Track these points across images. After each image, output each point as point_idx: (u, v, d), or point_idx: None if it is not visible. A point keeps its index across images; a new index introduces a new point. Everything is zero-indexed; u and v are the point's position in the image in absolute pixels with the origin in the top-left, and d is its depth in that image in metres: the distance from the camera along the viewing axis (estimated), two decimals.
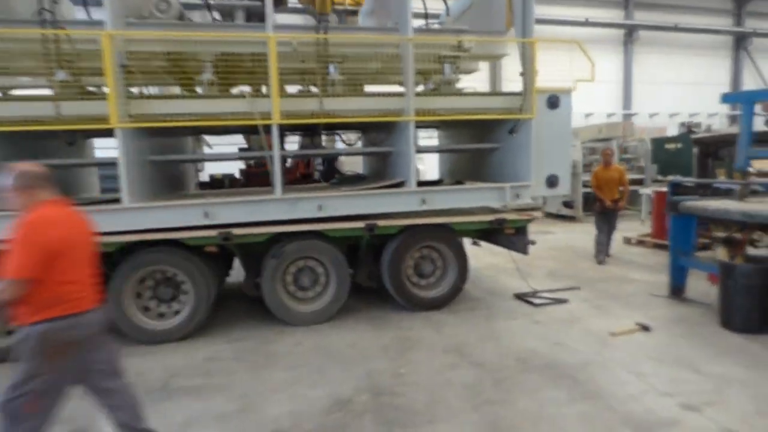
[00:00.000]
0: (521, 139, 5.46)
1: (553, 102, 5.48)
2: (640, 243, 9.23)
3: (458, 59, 5.54)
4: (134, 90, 5.04)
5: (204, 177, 9.10)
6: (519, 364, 4.14)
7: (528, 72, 5.28)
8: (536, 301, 5.87)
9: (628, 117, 17.54)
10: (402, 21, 5.05)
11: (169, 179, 6.28)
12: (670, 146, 11.71)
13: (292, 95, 4.93)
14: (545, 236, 10.58)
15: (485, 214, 5.63)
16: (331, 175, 8.39)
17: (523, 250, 5.89)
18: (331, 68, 5.09)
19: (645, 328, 4.85)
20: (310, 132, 7.72)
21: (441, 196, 5.35)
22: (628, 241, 9.37)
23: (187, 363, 4.44)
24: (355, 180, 7.39)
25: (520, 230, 5.79)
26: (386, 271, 5.51)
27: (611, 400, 3.51)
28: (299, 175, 9.66)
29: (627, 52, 18.40)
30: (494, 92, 5.39)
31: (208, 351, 4.70)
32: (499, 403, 3.52)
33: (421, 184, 5.53)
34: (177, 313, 5.08)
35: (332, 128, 7.21)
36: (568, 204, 12.49)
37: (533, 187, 5.48)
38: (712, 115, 18.63)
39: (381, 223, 5.25)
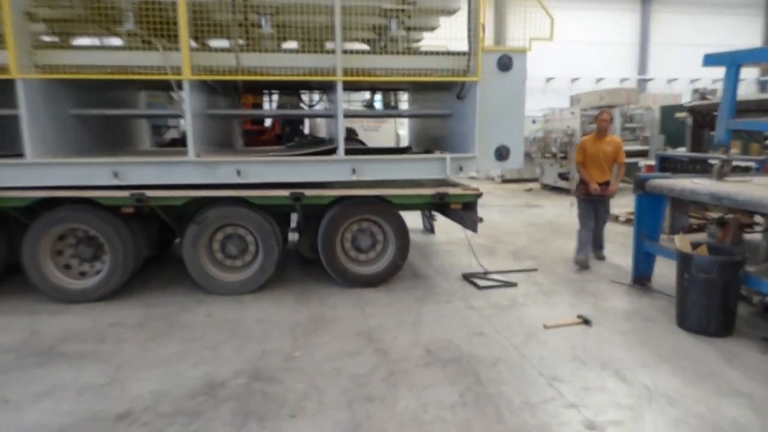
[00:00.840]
0: (468, 105, 4.93)
1: (505, 63, 4.89)
2: (629, 222, 8.62)
3: (403, 13, 4.95)
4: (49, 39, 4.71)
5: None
6: (425, 356, 3.82)
7: (473, 28, 4.69)
8: (482, 283, 5.48)
9: (642, 83, 16.33)
10: None
11: (115, 136, 6.04)
12: (681, 115, 10.74)
13: (206, 49, 4.49)
14: (530, 210, 10.06)
15: (429, 187, 5.19)
16: (291, 138, 8.00)
17: (472, 228, 5.46)
18: (263, 21, 4.64)
19: (585, 322, 4.41)
20: (288, 91, 7.32)
21: (373, 165, 4.91)
22: (615, 218, 8.75)
23: (88, 326, 4.30)
24: (312, 144, 6.99)
25: (469, 206, 5.34)
26: (320, 244, 5.20)
27: (505, 408, 3.13)
28: (274, 136, 9.31)
29: (644, 11, 16.93)
30: (439, 51, 4.79)
31: (117, 315, 4.55)
32: (378, 400, 3.22)
33: (394, 151, 5.11)
34: (98, 273, 4.95)
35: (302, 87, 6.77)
36: (563, 176, 11.80)
37: (479, 159, 4.99)
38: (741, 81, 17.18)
39: (309, 192, 4.91)
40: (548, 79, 17.65)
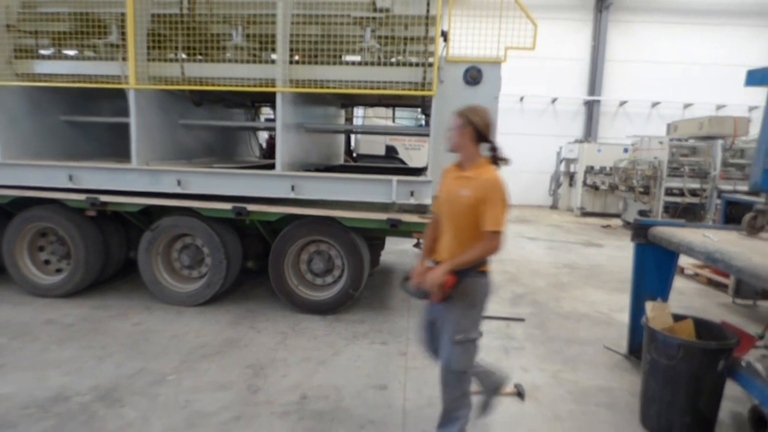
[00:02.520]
0: (431, 122, 4.32)
1: (473, 76, 4.20)
2: (696, 276, 6.96)
3: (374, 22, 4.53)
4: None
5: None
6: (294, 403, 3.28)
7: (431, 35, 4.09)
8: None
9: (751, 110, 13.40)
10: None
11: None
12: None
13: (159, 60, 4.53)
14: (583, 249, 8.71)
15: (384, 212, 4.62)
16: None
17: None
18: (234, 32, 4.58)
19: (518, 394, 3.50)
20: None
21: (313, 184, 4.50)
22: (680, 271, 7.12)
23: (24, 320, 4.50)
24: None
25: None
26: (270, 262, 4.92)
27: None
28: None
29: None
30: (398, 62, 4.25)
31: (60, 313, 4.71)
32: None
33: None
34: (60, 270, 5.23)
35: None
36: (643, 213, 10.07)
37: (436, 183, 4.31)
38: None
39: (252, 207, 4.67)
40: (654, 104, 15.48)
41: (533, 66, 14.58)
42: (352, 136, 10.62)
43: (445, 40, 4.19)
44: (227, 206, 4.67)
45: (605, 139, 15.12)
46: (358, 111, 9.43)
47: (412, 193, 4.34)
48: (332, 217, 4.61)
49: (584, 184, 13.23)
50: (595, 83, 15.29)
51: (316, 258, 5.00)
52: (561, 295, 6.00)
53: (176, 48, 4.46)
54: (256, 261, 5.51)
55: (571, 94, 15.57)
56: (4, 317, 4.57)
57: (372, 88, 4.34)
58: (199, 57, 4.71)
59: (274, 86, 4.28)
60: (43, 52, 4.88)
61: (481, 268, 2.53)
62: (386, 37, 4.65)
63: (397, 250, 7.86)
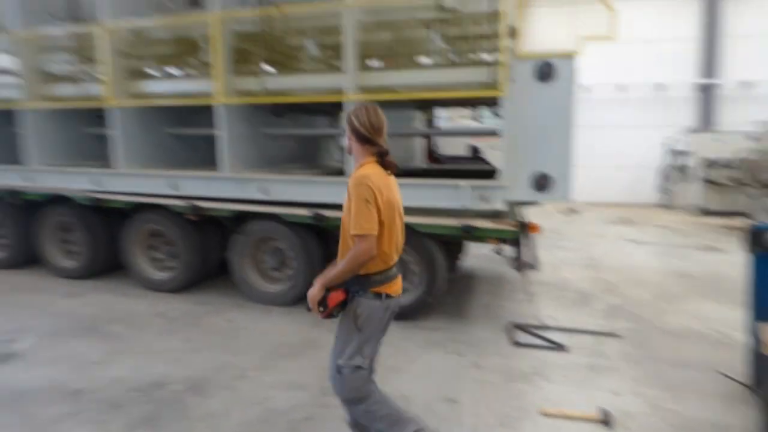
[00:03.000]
0: (501, 123, 4.15)
1: (545, 72, 3.93)
2: None
3: (442, 23, 4.45)
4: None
5: None
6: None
7: (497, 31, 3.90)
8: (522, 338, 4.51)
9: None
10: None
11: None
12: None
13: (242, 75, 4.85)
14: (700, 255, 7.79)
15: (453, 217, 4.52)
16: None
17: (517, 269, 4.58)
18: (307, 44, 4.81)
19: (605, 422, 3.22)
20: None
21: None
22: None
23: (139, 312, 5.12)
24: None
25: (516, 243, 4.50)
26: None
27: None
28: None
29: None
30: (459, 63, 4.12)
31: (168, 307, 5.27)
32: None
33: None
34: (169, 268, 5.85)
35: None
36: None
37: (509, 187, 4.14)
38: None
39: (328, 213, 4.84)
40: None
41: (631, 51, 13.24)
42: (438, 138, 10.56)
43: (514, 36, 3.98)
44: (306, 212, 4.89)
45: (724, 126, 13.31)
46: (440, 111, 9.31)
47: (484, 198, 4.20)
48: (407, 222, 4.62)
49: (704, 179, 11.77)
50: (711, 64, 13.48)
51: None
52: (668, 309, 5.41)
53: (257, 62, 4.74)
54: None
55: (679, 79, 13.89)
56: (124, 309, 5.24)
57: (439, 91, 4.27)
58: (276, 70, 4.97)
59: (343, 95, 4.39)
60: (151, 72, 5.48)
61: (375, 288, 2.30)
62: (453, 38, 4.54)
63: (483, 255, 7.66)
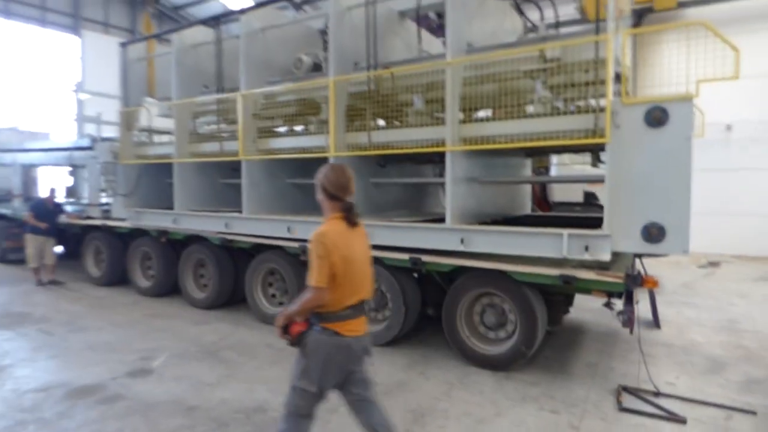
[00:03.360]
0: (605, 170, 4.00)
1: (656, 117, 3.74)
2: None
3: (545, 73, 4.51)
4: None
5: None
6: None
7: (606, 78, 3.82)
8: (630, 403, 4.08)
9: None
10: (453, 42, 4.63)
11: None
12: None
13: (352, 130, 5.34)
14: None
15: (559, 266, 4.35)
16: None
17: (626, 325, 4.24)
18: (415, 99, 5.17)
19: None
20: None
21: (481, 237, 4.54)
22: None
23: (253, 342, 5.60)
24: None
25: (628, 297, 4.21)
26: (443, 312, 5.11)
27: None
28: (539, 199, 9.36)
29: None
30: (561, 111, 4.01)
31: (276, 339, 5.71)
32: None
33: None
34: (281, 304, 6.36)
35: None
36: None
37: (615, 237, 3.91)
38: None
39: (427, 258, 4.97)
40: None
41: (742, 86, 11.57)
42: (550, 184, 10.25)
43: (619, 81, 3.87)
44: (405, 256, 5.08)
45: None
46: (552, 158, 9.08)
47: (587, 248, 4.01)
48: (502, 270, 4.57)
49: None
50: None
51: (488, 311, 4.98)
52: None
53: (367, 118, 5.18)
54: (435, 309, 5.75)
55: None
56: (240, 338, 5.79)
57: (540, 140, 4.26)
58: (384, 124, 5.37)
59: (444, 146, 4.58)
60: (278, 130, 6.24)
61: (325, 324, 2.60)
62: (557, 86, 4.54)
63: (594, 309, 7.11)
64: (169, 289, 7.62)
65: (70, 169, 11.50)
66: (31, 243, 8.49)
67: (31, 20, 18.53)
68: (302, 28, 6.90)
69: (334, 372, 2.68)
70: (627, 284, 4.10)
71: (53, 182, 10.56)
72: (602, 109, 3.88)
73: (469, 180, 4.96)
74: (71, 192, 12.31)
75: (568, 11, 6.08)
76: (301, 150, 5.78)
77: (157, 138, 8.00)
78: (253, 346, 5.51)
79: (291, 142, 5.90)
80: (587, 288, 4.33)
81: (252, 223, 6.18)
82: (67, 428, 3.63)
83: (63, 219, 8.77)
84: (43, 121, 17.49)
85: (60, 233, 9.09)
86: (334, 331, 2.62)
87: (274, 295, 6.52)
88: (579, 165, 9.34)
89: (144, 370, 4.77)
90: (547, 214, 7.57)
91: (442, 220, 4.94)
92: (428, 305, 5.71)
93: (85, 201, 9.53)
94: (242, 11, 6.11)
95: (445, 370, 4.83)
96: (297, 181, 6.64)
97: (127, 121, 7.56)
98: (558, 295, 5.21)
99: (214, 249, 6.84)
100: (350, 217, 2.67)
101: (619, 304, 4.66)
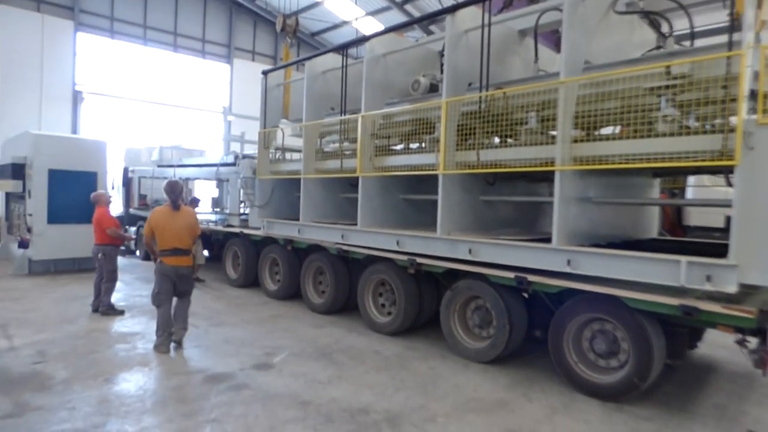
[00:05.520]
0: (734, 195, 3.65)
1: None
2: None
3: (672, 89, 4.26)
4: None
5: None
6: None
7: (738, 96, 3.51)
8: None
9: None
10: (568, 60, 4.58)
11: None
12: None
13: (462, 149, 5.47)
14: None
15: (680, 296, 4.04)
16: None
17: (759, 366, 3.82)
18: (528, 118, 5.21)
19: None
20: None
21: (590, 259, 4.38)
22: None
23: (362, 347, 6.00)
24: None
25: (762, 335, 3.80)
26: (549, 335, 5.01)
27: None
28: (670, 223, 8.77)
29: None
30: (682, 130, 3.62)
31: (384, 346, 6.02)
32: None
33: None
34: (389, 314, 6.68)
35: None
36: None
37: (743, 268, 3.54)
38: None
39: (533, 278, 4.92)
40: None
41: None
42: (685, 208, 9.31)
43: (755, 99, 3.51)
44: (511, 275, 5.08)
45: None
46: (690, 179, 8.28)
47: (708, 278, 3.69)
48: (615, 295, 4.37)
49: None
50: None
51: (599, 337, 4.75)
52: None
53: (478, 136, 5.31)
54: (543, 331, 5.61)
55: None
56: (351, 342, 6.22)
57: (657, 161, 4.03)
58: (497, 142, 5.44)
59: (552, 165, 4.54)
60: (395, 148, 6.64)
61: (160, 258, 5.67)
62: (681, 104, 4.24)
63: (729, 345, 6.32)
64: (292, 293, 8.39)
65: (217, 182, 13.22)
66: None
67: (194, 52, 21.80)
68: (422, 50, 7.27)
69: (166, 283, 5.63)
70: (760, 320, 3.68)
71: (197, 193, 12.33)
72: (732, 129, 3.57)
73: (581, 200, 4.83)
74: (216, 203, 14.14)
75: (715, 17, 5.60)
76: (413, 167, 6.08)
77: (289, 156, 8.94)
78: (362, 351, 5.89)
79: (404, 159, 6.24)
80: (711, 322, 3.96)
81: (365, 236, 6.62)
82: (202, 407, 4.25)
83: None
84: (201, 140, 20.28)
85: (206, 239, 10.55)
86: (161, 261, 5.61)
87: (383, 305, 6.88)
88: (722, 187, 8.40)
89: (267, 364, 5.38)
90: (676, 239, 6.93)
91: (549, 240, 4.87)
92: (536, 327, 5.61)
93: (227, 211, 10.91)
94: (366, 38, 6.65)
95: (549, 394, 4.72)
96: (410, 196, 6.97)
97: (265, 140, 8.58)
98: (680, 326, 4.80)
99: (332, 258, 7.43)
100: (173, 205, 5.65)
101: (754, 341, 4.16)
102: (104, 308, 7.29)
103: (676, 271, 3.84)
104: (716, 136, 3.67)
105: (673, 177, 7.31)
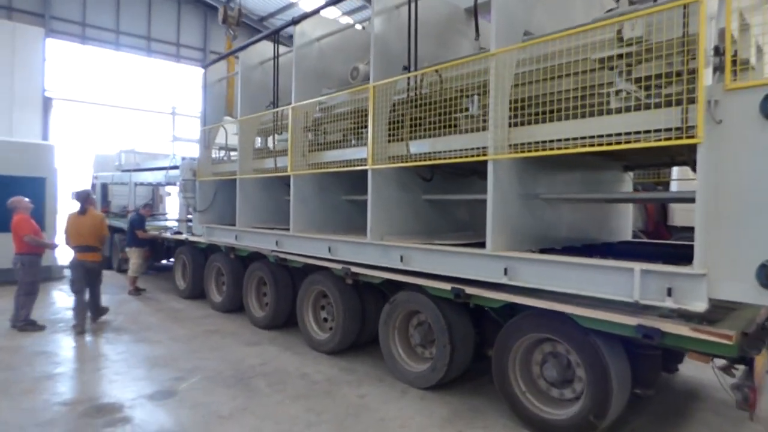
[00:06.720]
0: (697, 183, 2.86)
1: None
2: None
3: (625, 59, 3.48)
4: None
5: None
6: None
7: (699, 59, 2.73)
8: None
9: None
10: (501, 31, 3.81)
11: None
12: None
13: (392, 141, 4.68)
14: None
15: (636, 313, 3.23)
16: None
17: (741, 405, 3.00)
18: (472, 102, 4.44)
19: None
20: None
21: (528, 267, 3.58)
22: None
23: (287, 370, 5.20)
24: None
25: (747, 365, 3.00)
26: (494, 356, 4.20)
27: None
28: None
29: None
30: (631, 106, 2.85)
31: (315, 368, 5.24)
32: None
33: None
34: (331, 329, 5.88)
35: None
36: None
37: (711, 278, 2.75)
38: None
39: (471, 291, 4.13)
40: None
41: None
42: (670, 206, 8.48)
43: (723, 60, 2.72)
44: (447, 286, 4.29)
45: None
46: (674, 172, 7.45)
47: (669, 292, 2.89)
48: (562, 311, 3.57)
49: None
50: None
51: (550, 361, 3.95)
52: None
53: (405, 125, 4.55)
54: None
55: None
56: (280, 364, 5.42)
57: (602, 145, 3.24)
58: (426, 132, 4.66)
59: (485, 155, 3.75)
60: (328, 143, 5.87)
61: (74, 253, 6.75)
62: (629, 71, 3.46)
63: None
64: (238, 305, 7.61)
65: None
66: (136, 254, 9.21)
67: (169, 57, 21.17)
68: (364, 35, 6.51)
69: (77, 273, 6.65)
70: (742, 348, 2.87)
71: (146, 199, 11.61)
72: (692, 99, 2.78)
73: (526, 196, 4.04)
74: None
75: None
76: (345, 163, 5.31)
77: (234, 156, 8.18)
78: (288, 374, 5.10)
79: (337, 155, 5.47)
80: (679, 347, 3.15)
81: (298, 242, 5.85)
82: None
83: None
84: (159, 143, 19.55)
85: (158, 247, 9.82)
86: (74, 257, 6.65)
87: (326, 319, 6.09)
88: None
89: (170, 392, 4.60)
90: (652, 242, 6.13)
91: (477, 245, 4.09)
92: (488, 345, 4.80)
93: (176, 217, 10.18)
94: (295, 21, 5.89)
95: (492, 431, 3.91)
96: (353, 197, 6.19)
97: (205, 139, 7.83)
98: (650, 348, 3.98)
99: (273, 267, 6.65)
100: (81, 211, 6.65)
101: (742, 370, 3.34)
102: (21, 324, 6.59)
103: (629, 282, 3.03)
104: (672, 110, 2.88)
105: (649, 170, 6.48)
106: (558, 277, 3.46)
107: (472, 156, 3.94)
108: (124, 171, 12.86)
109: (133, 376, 4.98)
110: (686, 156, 3.66)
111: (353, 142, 5.48)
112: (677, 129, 2.84)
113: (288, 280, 6.68)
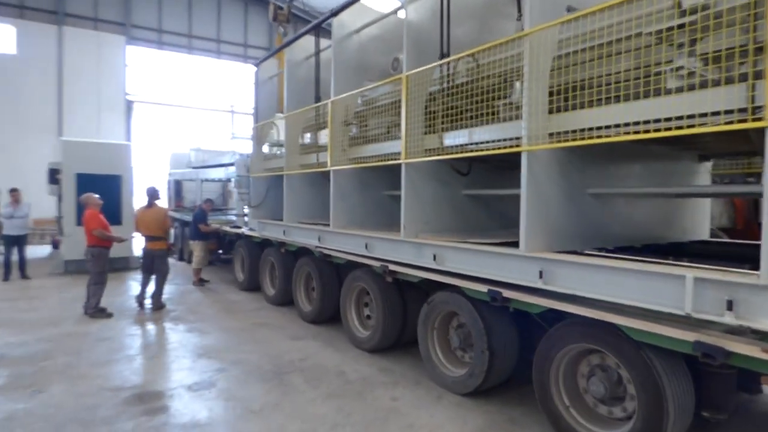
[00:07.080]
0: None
1: None
2: None
3: (681, 30, 3.00)
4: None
5: None
6: None
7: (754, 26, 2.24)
8: None
9: None
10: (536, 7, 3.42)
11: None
12: None
13: (427, 133, 4.39)
14: None
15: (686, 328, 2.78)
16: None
17: None
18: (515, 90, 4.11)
19: None
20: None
21: (567, 271, 3.19)
22: None
23: (326, 367, 5.15)
24: None
25: None
26: (534, 367, 3.86)
27: None
28: None
29: None
30: (685, 84, 2.31)
31: (354, 367, 5.16)
32: None
33: None
34: (372, 325, 5.76)
35: None
36: None
37: None
38: None
39: (508, 294, 3.80)
40: None
41: None
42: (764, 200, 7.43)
43: None
44: (484, 288, 3.99)
45: None
46: None
47: (730, 305, 2.43)
48: (610, 322, 3.17)
49: None
50: None
51: (598, 375, 3.55)
52: None
53: (438, 115, 4.27)
54: None
55: None
56: (319, 360, 5.39)
57: (651, 132, 2.80)
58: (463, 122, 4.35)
59: (519, 147, 3.41)
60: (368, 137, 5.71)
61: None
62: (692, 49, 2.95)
63: None
64: (289, 298, 7.71)
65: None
66: (199, 247, 9.67)
67: (237, 58, 22.12)
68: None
69: (146, 260, 7.61)
70: None
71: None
72: (760, 75, 2.30)
73: (570, 191, 3.64)
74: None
75: None
76: (383, 157, 5.13)
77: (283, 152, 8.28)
78: (325, 371, 5.06)
79: (375, 149, 5.30)
80: (751, 369, 2.66)
81: (338, 238, 5.78)
82: None
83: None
84: (224, 140, 20.43)
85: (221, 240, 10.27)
86: (144, 245, 7.59)
87: (368, 317, 5.98)
88: None
89: (210, 383, 4.72)
90: (735, 242, 5.38)
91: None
92: (533, 352, 4.44)
93: (235, 211, 10.55)
94: (334, 12, 5.75)
95: None
96: (394, 193, 5.98)
97: (258, 136, 7.99)
98: (724, 365, 3.44)
99: (318, 262, 6.65)
100: (148, 205, 7.53)
101: None
102: (91, 311, 7.13)
103: (680, 291, 2.59)
104: (735, 88, 2.40)
105: (737, 159, 5.69)
106: (596, 282, 3.08)
107: (506, 148, 3.61)
108: (194, 168, 13.57)
109: (178, 366, 5.18)
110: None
111: (392, 135, 5.28)
112: (740, 110, 2.37)
113: (333, 275, 6.65)
